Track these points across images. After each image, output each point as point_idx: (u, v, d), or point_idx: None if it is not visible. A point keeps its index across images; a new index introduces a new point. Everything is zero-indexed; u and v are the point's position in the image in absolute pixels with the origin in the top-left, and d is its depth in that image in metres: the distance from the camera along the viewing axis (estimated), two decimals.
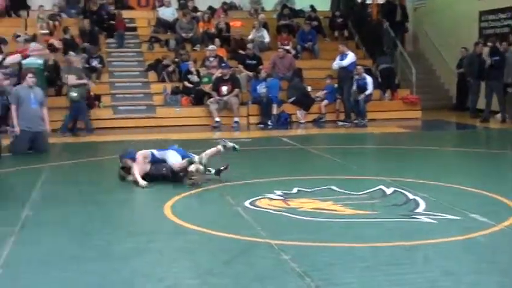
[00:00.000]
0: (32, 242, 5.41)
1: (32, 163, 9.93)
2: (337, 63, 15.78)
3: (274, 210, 6.47)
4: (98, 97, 15.40)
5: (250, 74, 16.59)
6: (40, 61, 14.60)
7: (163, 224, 6.07)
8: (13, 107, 11.05)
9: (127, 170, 8.08)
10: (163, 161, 8.08)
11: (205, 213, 6.60)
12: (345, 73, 15.63)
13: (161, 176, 8.00)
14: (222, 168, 8.11)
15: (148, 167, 8.04)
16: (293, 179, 8.05)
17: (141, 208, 7.28)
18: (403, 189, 7.31)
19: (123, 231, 5.87)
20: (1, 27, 17.55)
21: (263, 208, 6.55)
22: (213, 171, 8.11)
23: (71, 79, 14.02)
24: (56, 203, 7.10)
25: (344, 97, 15.75)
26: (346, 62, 15.60)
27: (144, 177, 7.93)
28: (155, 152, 8.21)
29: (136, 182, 7.84)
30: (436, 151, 11.34)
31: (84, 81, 14.39)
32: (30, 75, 11.45)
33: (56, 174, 9.12)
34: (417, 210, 6.36)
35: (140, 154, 8.09)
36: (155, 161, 8.10)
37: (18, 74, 13.48)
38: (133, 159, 8.02)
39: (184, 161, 7.93)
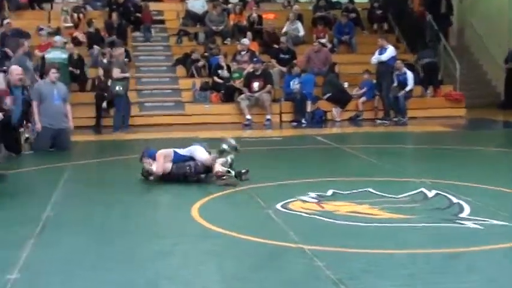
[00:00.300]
0: (52, 245, 5.42)
1: (54, 161, 10.01)
2: (376, 58, 15.68)
3: (307, 213, 6.40)
4: None
5: (284, 69, 16.55)
6: (64, 55, 14.77)
7: (190, 227, 6.05)
8: (34, 103, 11.09)
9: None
10: (190, 158, 8.08)
11: (235, 216, 6.57)
12: (384, 68, 15.52)
13: (183, 176, 8.00)
14: (243, 171, 8.08)
15: (169, 166, 8.04)
16: (328, 181, 7.99)
17: (167, 209, 7.28)
18: (446, 192, 7.19)
19: (149, 232, 5.87)
20: (24, 20, 17.79)
21: (296, 211, 6.50)
22: (233, 173, 8.08)
23: (116, 72, 14.10)
24: (78, 203, 7.14)
25: (383, 93, 15.64)
26: (385, 57, 15.48)
27: (164, 177, 7.96)
28: (179, 150, 8.21)
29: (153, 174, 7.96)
30: (481, 151, 11.19)
31: (127, 74, 14.49)
32: (53, 70, 11.54)
33: (78, 173, 9.18)
34: (461, 215, 6.26)
35: (160, 154, 8.07)
36: (179, 160, 8.10)
37: (41, 69, 13.64)
38: (154, 159, 8.05)
39: (213, 155, 7.97)
